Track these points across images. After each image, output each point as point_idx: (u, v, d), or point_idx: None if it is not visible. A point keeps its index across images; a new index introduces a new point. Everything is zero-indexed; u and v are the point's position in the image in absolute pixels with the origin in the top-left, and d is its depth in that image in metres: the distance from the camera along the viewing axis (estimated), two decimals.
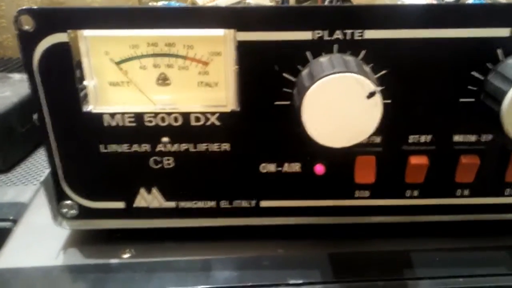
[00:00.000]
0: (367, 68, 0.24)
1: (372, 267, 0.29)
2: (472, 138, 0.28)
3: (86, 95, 0.26)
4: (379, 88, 0.22)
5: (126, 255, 0.30)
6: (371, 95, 0.22)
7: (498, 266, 0.29)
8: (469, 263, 0.29)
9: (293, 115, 0.25)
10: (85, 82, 0.26)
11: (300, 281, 0.28)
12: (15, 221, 0.36)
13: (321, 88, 0.22)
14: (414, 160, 0.28)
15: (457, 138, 0.27)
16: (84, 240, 0.31)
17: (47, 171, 0.30)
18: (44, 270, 0.29)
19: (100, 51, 0.26)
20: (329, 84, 0.22)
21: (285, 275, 0.28)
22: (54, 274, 0.29)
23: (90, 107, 0.26)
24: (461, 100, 0.26)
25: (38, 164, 0.46)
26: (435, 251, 0.30)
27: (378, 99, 0.23)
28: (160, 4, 0.31)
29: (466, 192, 0.30)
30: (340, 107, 0.23)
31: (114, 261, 0.29)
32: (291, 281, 0.28)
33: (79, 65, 0.25)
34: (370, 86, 0.22)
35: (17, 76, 0.56)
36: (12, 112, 0.46)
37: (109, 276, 0.28)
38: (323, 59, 0.24)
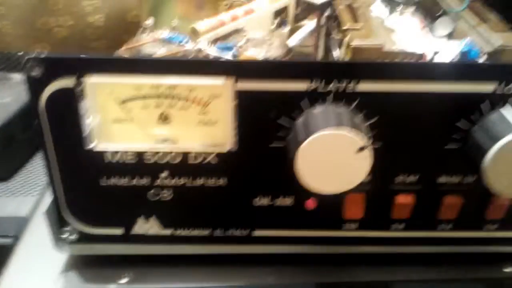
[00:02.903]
0: (358, 119, 0.27)
1: None
2: (456, 180, 0.31)
3: (89, 133, 0.29)
4: (368, 143, 0.25)
5: (123, 280, 0.33)
6: (361, 149, 0.25)
7: None
8: None
9: (286, 157, 0.28)
10: (88, 121, 0.29)
11: None
12: (16, 237, 0.38)
13: (314, 143, 0.25)
14: (400, 199, 0.31)
15: (441, 180, 0.31)
16: (83, 264, 0.34)
17: (46, 179, 0.32)
18: None
19: (104, 92, 0.28)
20: (322, 139, 0.25)
21: None
22: None
23: (92, 145, 0.29)
24: (446, 147, 0.29)
25: (37, 172, 0.48)
26: (419, 282, 0.34)
27: (367, 153, 0.26)
28: (162, 36, 0.33)
29: (449, 226, 0.33)
30: (332, 159, 0.26)
31: (111, 286, 0.33)
32: None
33: (83, 106, 0.28)
34: (360, 141, 0.25)
35: (17, 77, 0.56)
36: (13, 120, 0.47)
37: None
38: (317, 111, 0.26)
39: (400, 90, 0.27)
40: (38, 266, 0.34)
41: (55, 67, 0.26)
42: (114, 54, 0.31)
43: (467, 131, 0.28)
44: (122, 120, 0.29)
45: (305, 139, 0.25)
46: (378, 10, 0.43)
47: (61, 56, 0.25)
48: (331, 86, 0.27)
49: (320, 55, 0.44)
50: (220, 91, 0.28)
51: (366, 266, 0.34)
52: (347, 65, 0.26)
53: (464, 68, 0.27)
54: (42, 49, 0.86)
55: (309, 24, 0.48)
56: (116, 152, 0.29)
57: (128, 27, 0.78)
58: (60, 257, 0.34)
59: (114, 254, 0.33)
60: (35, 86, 0.26)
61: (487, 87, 0.27)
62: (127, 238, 0.33)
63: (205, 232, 0.33)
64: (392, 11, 0.42)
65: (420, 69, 0.27)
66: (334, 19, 0.42)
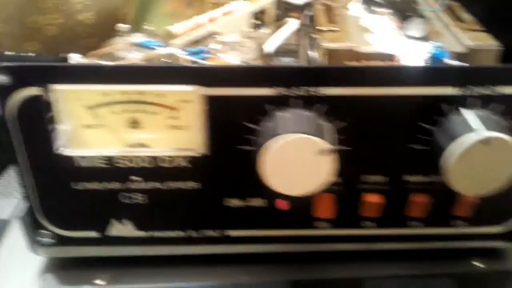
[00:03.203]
0: (322, 123, 0.28)
1: None
2: (422, 179, 0.32)
3: (58, 138, 0.29)
4: (331, 147, 0.26)
5: (99, 282, 0.34)
6: (324, 152, 0.26)
7: None
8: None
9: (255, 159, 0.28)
10: (57, 127, 0.29)
11: None
12: None
13: (278, 146, 0.26)
14: (369, 198, 0.32)
15: (408, 179, 0.31)
16: (60, 266, 0.34)
17: None
18: None
19: (72, 99, 0.29)
20: (286, 143, 0.26)
21: None
22: None
23: (62, 150, 0.29)
24: (411, 146, 0.30)
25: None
26: (389, 278, 0.35)
27: (330, 156, 0.26)
28: (135, 40, 0.33)
29: (417, 224, 0.34)
30: (296, 161, 0.26)
31: (90, 286, 0.33)
32: None
33: (52, 112, 0.28)
34: (323, 145, 0.26)
35: None
36: None
37: None
38: (282, 115, 0.27)
39: (365, 94, 0.28)
40: (17, 268, 0.35)
41: (23, 75, 0.26)
42: (84, 61, 0.31)
43: (430, 132, 0.29)
44: (92, 125, 0.30)
45: (269, 142, 0.26)
46: (356, 9, 0.44)
47: (28, 64, 0.26)
48: (296, 91, 0.27)
49: (303, 54, 0.44)
50: (188, 96, 0.28)
51: (339, 264, 0.35)
52: (310, 70, 0.27)
53: (425, 72, 0.28)
54: (33, 48, 0.86)
55: (289, 26, 0.49)
56: (87, 157, 0.30)
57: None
58: (39, 259, 0.35)
59: (90, 256, 0.34)
60: (4, 94, 0.27)
61: (448, 90, 0.28)
62: (103, 240, 0.33)
63: (180, 233, 0.33)
64: (369, 10, 0.43)
65: (383, 73, 0.28)
66: (312, 19, 0.43)
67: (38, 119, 0.28)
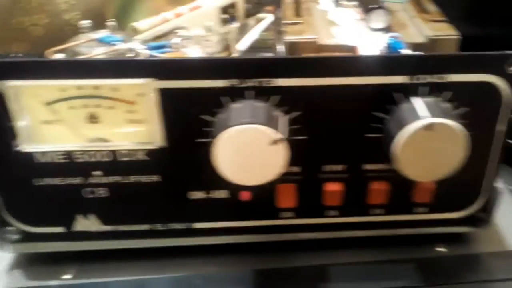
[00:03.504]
0: (276, 113, 0.28)
1: (295, 281, 0.34)
2: (380, 166, 0.32)
3: (17, 135, 0.29)
4: (281, 136, 0.26)
5: (67, 276, 0.34)
6: (275, 142, 0.26)
7: (409, 279, 0.34)
8: (382, 275, 0.34)
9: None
10: (16, 123, 0.29)
11: None
12: None
13: (229, 137, 0.26)
14: (329, 187, 0.32)
15: (367, 167, 0.32)
16: (28, 262, 0.35)
17: None
18: None
19: (28, 95, 0.29)
20: (237, 133, 0.26)
21: None
22: None
23: (21, 147, 0.30)
24: (367, 135, 0.31)
25: None
26: (354, 264, 0.35)
27: (281, 145, 0.27)
28: (96, 36, 0.33)
29: (380, 211, 0.34)
30: (249, 152, 0.27)
31: (54, 283, 0.33)
32: None
33: (10, 108, 0.28)
34: (273, 135, 0.26)
35: None
36: None
37: None
38: (235, 106, 0.27)
39: (317, 84, 0.28)
40: None
41: None
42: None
43: (383, 120, 0.30)
44: (50, 121, 0.30)
45: (221, 134, 0.26)
46: (326, 3, 0.44)
47: None
48: (250, 82, 0.28)
49: (276, 37, 0.44)
50: (143, 90, 0.29)
51: (303, 252, 0.35)
52: (262, 61, 0.27)
53: (376, 62, 0.28)
54: (19, 49, 0.86)
55: (263, 21, 0.49)
56: (46, 153, 0.30)
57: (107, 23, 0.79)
58: (6, 255, 0.35)
59: (57, 251, 0.34)
60: None
61: (398, 78, 0.28)
62: (69, 235, 0.34)
63: (145, 227, 0.34)
64: (337, 4, 0.43)
65: (335, 64, 0.28)
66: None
67: None
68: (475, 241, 0.36)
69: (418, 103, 0.28)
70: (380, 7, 0.37)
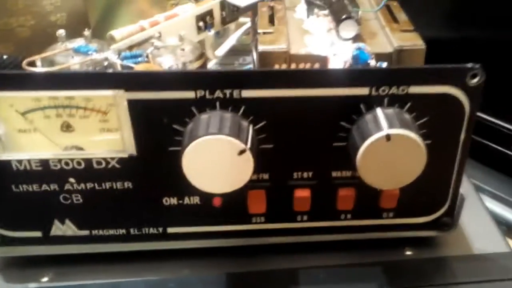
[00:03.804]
0: (243, 124, 0.29)
1: (267, 284, 0.35)
2: (348, 174, 0.33)
3: None
4: (248, 146, 0.27)
5: (44, 279, 0.35)
6: (241, 152, 0.27)
7: (377, 281, 0.35)
8: (349, 278, 0.35)
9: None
10: None
11: None
12: None
13: (197, 147, 0.27)
14: (299, 193, 0.33)
15: (334, 174, 0.33)
16: (6, 265, 0.35)
17: None
18: None
19: (5, 104, 0.30)
20: (204, 144, 0.27)
21: None
22: None
23: None
24: (334, 144, 0.31)
25: None
26: (323, 267, 0.36)
27: (248, 155, 0.27)
28: (72, 46, 0.34)
29: (348, 216, 0.35)
30: (217, 161, 0.28)
31: (33, 285, 0.34)
32: None
33: None
34: (240, 145, 0.27)
35: None
36: None
37: None
38: (203, 117, 0.28)
39: (285, 95, 0.29)
40: None
41: None
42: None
43: (350, 130, 0.30)
44: (26, 130, 0.31)
45: (189, 144, 0.27)
46: (302, 11, 0.45)
47: None
48: (217, 94, 0.28)
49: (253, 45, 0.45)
50: (114, 101, 0.30)
51: (274, 256, 0.36)
52: (230, 73, 0.28)
53: (341, 74, 0.29)
54: (6, 50, 0.86)
55: (240, 27, 0.50)
56: (23, 161, 0.31)
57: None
58: None
59: (35, 255, 0.35)
60: None
61: (363, 90, 0.29)
62: (46, 239, 0.34)
63: (121, 231, 0.34)
64: (310, 13, 0.44)
65: (301, 76, 0.29)
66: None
67: None
68: (442, 245, 0.37)
69: (380, 115, 0.28)
70: (349, 18, 0.38)
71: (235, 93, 0.28)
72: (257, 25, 0.42)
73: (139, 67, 0.32)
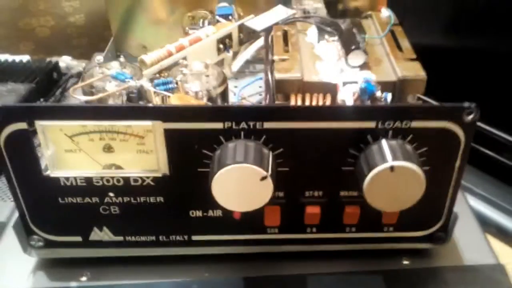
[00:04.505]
0: (264, 152, 0.32)
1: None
2: (354, 193, 0.36)
3: (44, 163, 0.33)
4: (269, 173, 0.30)
5: (83, 278, 0.38)
6: (263, 178, 0.30)
7: (375, 284, 0.39)
8: (351, 284, 0.38)
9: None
10: (43, 152, 0.33)
11: None
12: None
13: (225, 173, 0.30)
14: (310, 209, 0.36)
15: (342, 194, 0.36)
16: (50, 265, 0.39)
17: None
18: None
19: (54, 130, 0.33)
20: (232, 171, 0.30)
21: None
22: None
23: (48, 172, 0.34)
24: (343, 168, 0.34)
25: None
26: (329, 274, 0.39)
27: (269, 181, 0.31)
28: (110, 73, 0.37)
29: (353, 229, 0.38)
30: (241, 185, 0.31)
31: (73, 283, 0.38)
32: None
33: (38, 141, 0.32)
34: (263, 172, 0.30)
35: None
36: None
37: None
38: (230, 145, 0.31)
39: (301, 127, 0.32)
40: (13, 266, 0.39)
41: (11, 114, 0.31)
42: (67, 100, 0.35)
43: (357, 157, 0.33)
44: (72, 150, 0.34)
45: (218, 170, 0.30)
46: (313, 35, 0.47)
47: (14, 105, 0.30)
48: (242, 125, 0.31)
49: (265, 77, 0.48)
50: (152, 128, 0.33)
51: (286, 262, 0.39)
52: (252, 109, 0.31)
53: (352, 110, 0.32)
54: (26, 48, 0.89)
55: (254, 44, 0.52)
56: (70, 177, 0.34)
57: (108, 25, 0.82)
58: (32, 259, 0.39)
59: (75, 257, 0.38)
60: None
61: (371, 124, 0.32)
62: (86, 243, 0.38)
63: (151, 238, 0.38)
64: (321, 38, 0.46)
65: (317, 111, 0.32)
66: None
67: (27, 147, 0.32)
68: (436, 256, 0.40)
69: (385, 146, 0.31)
70: (358, 48, 0.40)
71: (258, 125, 0.32)
72: (271, 48, 0.45)
73: (174, 98, 0.35)
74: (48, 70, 0.65)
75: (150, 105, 0.34)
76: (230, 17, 0.55)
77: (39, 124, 0.31)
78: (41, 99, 0.64)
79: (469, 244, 0.42)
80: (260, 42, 0.53)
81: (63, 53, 0.76)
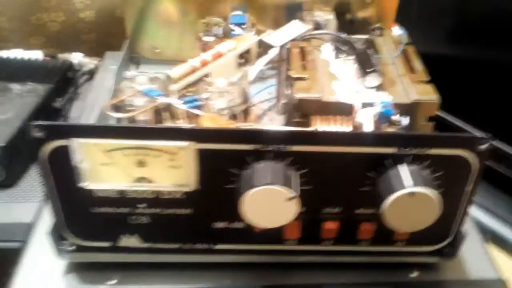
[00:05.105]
0: (290, 173, 0.33)
1: None
2: (369, 211, 0.37)
3: (80, 175, 0.35)
4: (294, 194, 0.32)
5: (112, 282, 0.39)
6: (290, 199, 0.32)
7: None
8: None
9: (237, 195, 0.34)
10: (80, 166, 0.34)
11: None
12: (23, 241, 0.43)
13: (255, 194, 0.31)
14: (327, 225, 0.38)
15: (358, 211, 0.37)
16: (80, 269, 0.40)
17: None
18: None
19: (91, 145, 0.34)
20: (260, 191, 0.31)
21: None
22: None
23: (84, 184, 0.35)
24: (360, 189, 0.36)
25: (37, 179, 0.49)
26: (343, 284, 0.41)
27: (295, 201, 0.32)
28: (142, 89, 0.38)
29: (367, 243, 0.40)
30: (269, 204, 0.32)
31: (103, 287, 0.39)
32: None
33: (76, 157, 0.33)
34: (290, 194, 0.31)
35: (16, 88, 0.59)
36: (17, 135, 0.50)
37: None
38: (258, 166, 0.32)
39: (324, 151, 0.33)
40: (43, 269, 0.40)
41: (53, 131, 0.32)
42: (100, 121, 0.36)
43: (375, 179, 0.35)
44: (107, 164, 0.35)
45: (247, 190, 0.31)
46: (327, 52, 0.48)
47: (58, 124, 0.31)
48: (270, 148, 0.33)
49: (282, 78, 0.49)
50: (185, 147, 0.34)
51: (304, 272, 0.41)
52: (280, 133, 0.32)
53: (370, 137, 0.33)
54: (37, 42, 0.90)
55: (271, 53, 0.53)
56: (103, 190, 0.35)
57: (117, 22, 0.82)
58: (63, 263, 0.41)
59: (104, 261, 0.40)
60: (40, 144, 0.32)
61: (389, 150, 0.33)
62: (115, 249, 0.39)
63: (176, 246, 0.39)
64: (337, 56, 0.47)
65: (340, 137, 0.33)
66: (288, 53, 0.47)
67: (66, 161, 0.33)
68: (444, 270, 0.42)
69: (403, 171, 0.33)
70: (374, 71, 0.41)
71: (284, 148, 0.33)
72: (288, 63, 0.45)
73: (205, 119, 0.36)
74: (64, 69, 0.66)
75: (185, 126, 0.35)
76: (243, 26, 0.56)
77: (78, 141, 0.32)
78: (60, 99, 0.65)
79: (473, 258, 0.43)
80: (273, 53, 0.54)
81: (72, 47, 0.77)
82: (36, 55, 0.70)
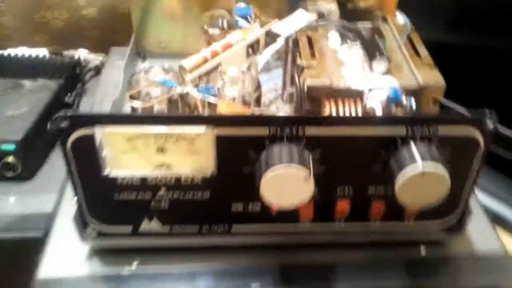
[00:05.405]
0: (306, 154, 0.34)
1: (310, 273, 0.41)
2: (381, 190, 0.39)
3: (104, 164, 0.36)
4: (310, 173, 0.33)
5: (134, 264, 0.40)
6: (306, 179, 0.33)
7: (397, 272, 0.41)
8: (377, 270, 0.41)
9: (254, 179, 0.35)
10: (103, 154, 0.35)
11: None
12: (45, 229, 0.45)
13: (273, 175, 0.32)
14: (340, 204, 0.39)
15: (370, 190, 0.38)
16: (104, 253, 0.41)
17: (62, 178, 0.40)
18: (76, 279, 0.39)
19: (114, 133, 0.35)
20: (278, 171, 0.32)
21: (248, 281, 0.40)
22: (85, 283, 0.39)
23: (107, 171, 0.36)
24: (372, 167, 0.37)
25: (54, 171, 0.53)
26: (355, 262, 0.42)
27: (311, 181, 0.33)
28: (157, 79, 0.39)
29: (378, 221, 0.41)
30: (286, 184, 0.33)
31: (126, 268, 0.40)
32: (253, 285, 0.40)
33: (99, 146, 0.35)
34: (304, 172, 0.32)
35: (28, 84, 0.60)
36: (33, 129, 0.52)
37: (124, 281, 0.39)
38: (275, 149, 0.33)
39: (338, 133, 0.35)
40: (67, 254, 0.41)
41: (77, 121, 0.33)
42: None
43: (387, 158, 0.36)
44: (128, 151, 0.36)
45: (266, 172, 0.32)
46: (334, 39, 0.49)
47: (80, 113, 0.32)
48: (285, 131, 0.34)
49: (289, 68, 0.50)
50: (204, 133, 0.35)
51: (317, 251, 0.42)
52: (295, 118, 0.33)
53: (383, 119, 0.34)
54: (41, 39, 0.90)
55: (276, 43, 0.54)
56: (126, 177, 0.36)
57: (119, 18, 0.83)
58: (84, 247, 0.42)
59: (126, 246, 0.41)
60: (63, 134, 0.33)
61: (401, 129, 0.35)
62: (136, 234, 0.40)
63: (195, 229, 0.40)
64: (343, 42, 0.48)
65: (352, 120, 0.34)
66: (296, 42, 0.48)
67: (89, 150, 0.34)
68: (452, 246, 0.43)
69: (414, 149, 0.34)
70: (381, 55, 0.42)
71: (300, 131, 0.34)
72: (295, 52, 0.46)
73: (222, 106, 0.37)
74: (71, 66, 0.67)
75: (205, 114, 0.36)
76: (249, 18, 0.56)
77: (101, 129, 0.33)
78: (69, 94, 0.66)
79: (480, 235, 0.44)
80: (279, 43, 0.54)
81: (75, 44, 0.78)
82: (41, 52, 0.71)
